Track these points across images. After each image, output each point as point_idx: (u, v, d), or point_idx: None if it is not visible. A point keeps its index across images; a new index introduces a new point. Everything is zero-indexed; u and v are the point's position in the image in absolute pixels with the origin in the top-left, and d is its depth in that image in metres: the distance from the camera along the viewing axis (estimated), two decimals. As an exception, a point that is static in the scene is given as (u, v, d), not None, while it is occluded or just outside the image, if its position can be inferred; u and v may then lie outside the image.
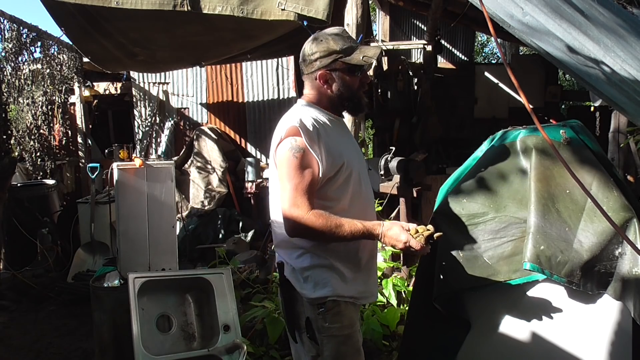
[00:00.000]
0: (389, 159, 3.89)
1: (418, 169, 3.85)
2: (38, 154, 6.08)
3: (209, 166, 6.73)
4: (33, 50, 5.43)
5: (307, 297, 1.77)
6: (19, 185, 5.85)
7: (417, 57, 8.42)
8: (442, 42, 7.96)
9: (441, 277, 2.04)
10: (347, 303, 1.79)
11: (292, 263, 1.80)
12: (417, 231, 1.65)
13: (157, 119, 7.39)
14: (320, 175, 1.70)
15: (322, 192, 1.73)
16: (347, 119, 3.71)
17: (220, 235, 6.17)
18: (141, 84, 7.39)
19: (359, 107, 1.84)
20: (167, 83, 7.39)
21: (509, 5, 1.86)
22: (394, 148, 3.90)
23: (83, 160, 6.93)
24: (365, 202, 1.86)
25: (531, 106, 1.52)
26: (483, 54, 18.43)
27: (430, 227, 1.67)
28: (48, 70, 5.90)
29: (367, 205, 1.88)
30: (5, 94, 5.16)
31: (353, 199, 1.79)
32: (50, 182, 6.09)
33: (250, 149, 7.35)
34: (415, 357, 2.29)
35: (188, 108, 7.42)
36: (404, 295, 3.38)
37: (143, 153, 7.24)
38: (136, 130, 7.41)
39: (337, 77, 1.76)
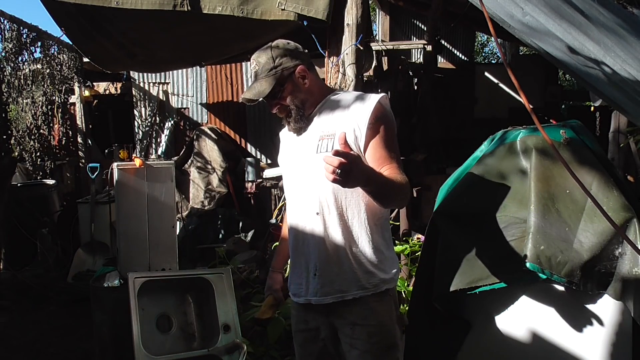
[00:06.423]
0: (389, 159, 3.88)
1: (417, 169, 3.85)
2: (38, 154, 6.08)
3: (209, 166, 6.73)
4: (33, 50, 5.44)
5: None
6: (19, 185, 5.85)
7: (417, 57, 8.42)
8: (442, 42, 7.96)
9: (441, 277, 2.04)
10: (292, 301, 1.84)
11: None
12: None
13: (157, 119, 7.39)
14: None
15: None
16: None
17: (220, 235, 6.17)
18: (141, 84, 7.39)
19: (289, 127, 1.87)
20: (167, 83, 7.39)
21: (509, 5, 1.86)
22: (393, 148, 3.88)
23: (83, 160, 6.92)
24: (300, 205, 1.77)
25: (531, 106, 1.51)
26: (483, 54, 18.44)
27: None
28: (48, 70, 5.90)
29: (302, 209, 1.75)
30: (5, 94, 5.16)
31: (290, 202, 1.86)
32: (50, 182, 6.09)
33: (250, 149, 7.35)
34: (415, 357, 2.29)
35: (188, 108, 7.42)
36: (404, 295, 3.38)
37: (143, 153, 7.24)
38: (136, 130, 7.41)
39: None
